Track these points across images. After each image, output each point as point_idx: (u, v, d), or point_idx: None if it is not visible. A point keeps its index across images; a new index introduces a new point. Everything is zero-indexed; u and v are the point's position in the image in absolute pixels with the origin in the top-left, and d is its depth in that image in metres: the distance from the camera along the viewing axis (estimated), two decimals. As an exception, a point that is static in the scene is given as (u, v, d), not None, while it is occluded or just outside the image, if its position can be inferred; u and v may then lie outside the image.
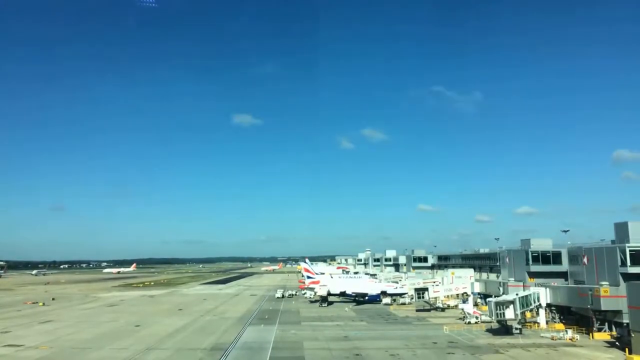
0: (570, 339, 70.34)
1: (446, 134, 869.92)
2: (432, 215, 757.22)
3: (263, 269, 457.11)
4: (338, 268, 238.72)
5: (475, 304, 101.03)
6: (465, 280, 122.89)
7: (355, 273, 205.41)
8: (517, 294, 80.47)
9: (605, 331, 73.15)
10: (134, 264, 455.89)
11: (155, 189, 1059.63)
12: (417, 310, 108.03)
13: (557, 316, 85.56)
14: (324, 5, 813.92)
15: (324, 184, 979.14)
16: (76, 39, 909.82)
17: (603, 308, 71.63)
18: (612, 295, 70.73)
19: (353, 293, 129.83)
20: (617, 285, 71.60)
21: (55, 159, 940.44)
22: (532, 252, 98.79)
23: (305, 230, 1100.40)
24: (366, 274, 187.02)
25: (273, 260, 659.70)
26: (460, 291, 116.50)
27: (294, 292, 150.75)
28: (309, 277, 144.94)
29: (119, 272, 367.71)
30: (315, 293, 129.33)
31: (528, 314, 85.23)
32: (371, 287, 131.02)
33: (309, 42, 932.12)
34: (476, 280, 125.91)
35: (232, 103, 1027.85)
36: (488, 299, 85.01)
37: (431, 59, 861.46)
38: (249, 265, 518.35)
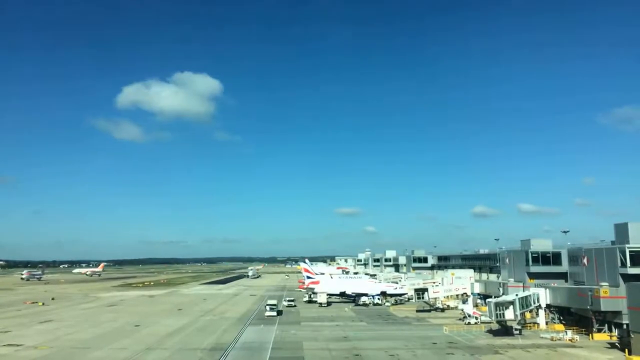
0: (569, 340, 70.38)
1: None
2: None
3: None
4: (338, 268, 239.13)
5: (475, 305, 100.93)
6: (465, 280, 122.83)
7: (355, 273, 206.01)
8: (516, 295, 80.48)
9: (605, 332, 73.15)
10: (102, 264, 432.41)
11: (156, 189, 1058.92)
12: (417, 311, 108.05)
13: (556, 317, 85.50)
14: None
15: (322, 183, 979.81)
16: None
17: (603, 309, 71.61)
18: (611, 296, 70.68)
19: (353, 293, 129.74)
20: (617, 286, 71.53)
21: (55, 158, 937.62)
22: (532, 253, 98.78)
23: (305, 230, 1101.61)
24: (366, 274, 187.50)
25: (273, 260, 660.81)
26: (460, 292, 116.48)
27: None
28: (308, 278, 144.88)
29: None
30: (315, 294, 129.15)
31: (528, 315, 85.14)
32: (371, 288, 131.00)
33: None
34: (476, 280, 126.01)
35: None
36: (488, 300, 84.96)
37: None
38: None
